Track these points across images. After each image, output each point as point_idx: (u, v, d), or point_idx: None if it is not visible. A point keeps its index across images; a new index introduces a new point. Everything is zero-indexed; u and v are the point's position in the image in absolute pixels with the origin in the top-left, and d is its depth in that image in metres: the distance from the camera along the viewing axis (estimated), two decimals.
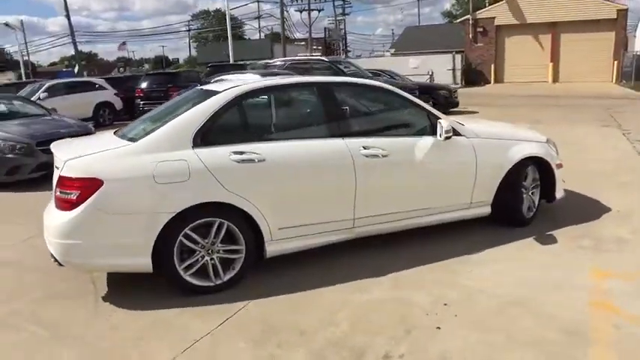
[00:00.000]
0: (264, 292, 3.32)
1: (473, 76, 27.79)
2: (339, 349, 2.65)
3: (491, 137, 4.23)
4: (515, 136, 4.42)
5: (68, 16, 28.95)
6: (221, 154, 3.30)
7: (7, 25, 36.09)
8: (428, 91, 14.00)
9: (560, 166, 4.56)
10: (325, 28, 34.22)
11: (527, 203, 4.38)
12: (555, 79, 26.43)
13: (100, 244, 3.12)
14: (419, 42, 32.91)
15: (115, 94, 15.38)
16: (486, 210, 4.25)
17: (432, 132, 3.93)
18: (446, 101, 14.07)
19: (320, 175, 3.55)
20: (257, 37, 53.09)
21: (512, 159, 4.19)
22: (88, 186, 3.06)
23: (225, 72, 12.40)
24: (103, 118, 14.55)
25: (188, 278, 3.29)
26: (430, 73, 24.84)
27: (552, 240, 4.07)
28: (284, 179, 3.44)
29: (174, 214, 3.14)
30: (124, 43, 44.81)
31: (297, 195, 3.50)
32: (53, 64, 46.17)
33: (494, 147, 4.19)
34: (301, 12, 45.12)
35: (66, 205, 3.12)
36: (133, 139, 3.36)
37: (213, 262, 3.34)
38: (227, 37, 26.93)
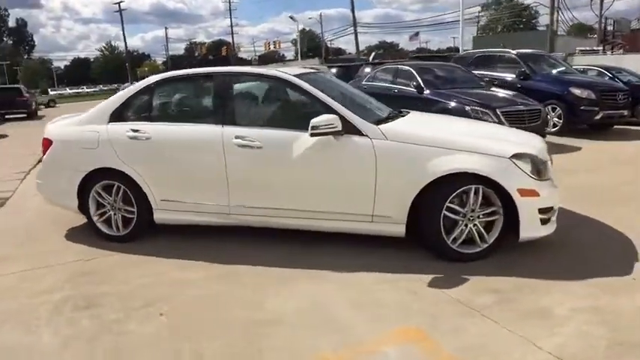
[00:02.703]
0: (143, 251, 3.86)
1: None
2: (74, 305, 3.06)
3: (410, 141, 3.40)
4: (457, 143, 3.37)
5: (353, 10, 32.92)
6: (121, 129, 3.99)
7: (291, 17, 43.54)
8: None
9: (530, 193, 3.23)
10: (605, 19, 26.78)
11: (458, 232, 3.35)
12: None
13: (51, 186, 4.34)
14: None
15: None
16: (398, 229, 3.48)
17: None
18: None
19: (193, 157, 3.80)
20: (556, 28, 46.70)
21: (433, 172, 3.29)
22: (47, 144, 4.29)
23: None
24: None
25: (99, 225, 4.17)
26: None
27: (439, 284, 3.07)
28: (162, 156, 3.87)
29: (85, 173, 4.05)
30: (416, 34, 47.22)
31: (174, 172, 3.87)
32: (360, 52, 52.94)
33: (409, 153, 3.37)
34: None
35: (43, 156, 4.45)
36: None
37: (116, 217, 4.11)
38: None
